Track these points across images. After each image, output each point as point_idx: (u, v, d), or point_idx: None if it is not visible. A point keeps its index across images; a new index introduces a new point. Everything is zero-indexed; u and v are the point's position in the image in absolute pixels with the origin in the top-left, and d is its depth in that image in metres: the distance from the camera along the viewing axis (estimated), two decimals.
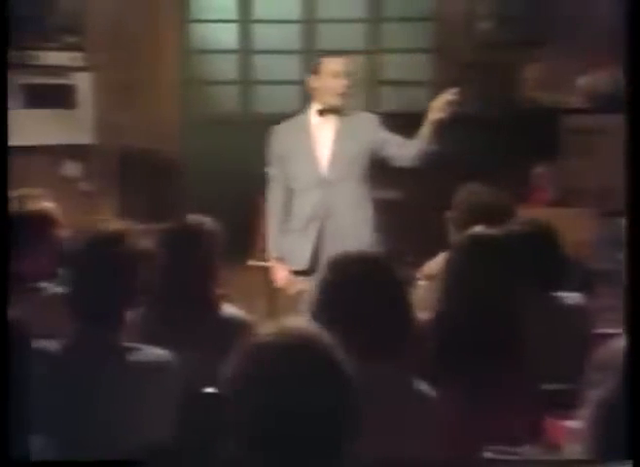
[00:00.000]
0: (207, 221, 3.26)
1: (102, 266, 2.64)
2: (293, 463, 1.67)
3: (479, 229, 3.08)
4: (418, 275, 4.07)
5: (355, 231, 4.60)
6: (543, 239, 3.46)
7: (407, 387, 2.35)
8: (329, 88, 4.68)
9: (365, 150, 4.68)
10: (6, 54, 3.17)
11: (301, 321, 1.79)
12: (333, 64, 4.70)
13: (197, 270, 3.12)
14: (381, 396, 2.20)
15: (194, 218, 3.28)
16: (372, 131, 4.71)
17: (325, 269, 2.50)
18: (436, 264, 3.85)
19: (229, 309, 3.20)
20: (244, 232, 5.74)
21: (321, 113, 4.75)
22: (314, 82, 4.73)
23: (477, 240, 3.01)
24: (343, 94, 4.68)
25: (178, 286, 3.02)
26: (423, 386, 2.38)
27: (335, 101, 4.70)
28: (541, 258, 3.36)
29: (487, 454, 2.41)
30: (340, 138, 4.71)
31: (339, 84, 4.67)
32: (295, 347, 1.71)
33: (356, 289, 2.39)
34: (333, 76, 4.68)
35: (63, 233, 3.48)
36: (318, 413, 1.67)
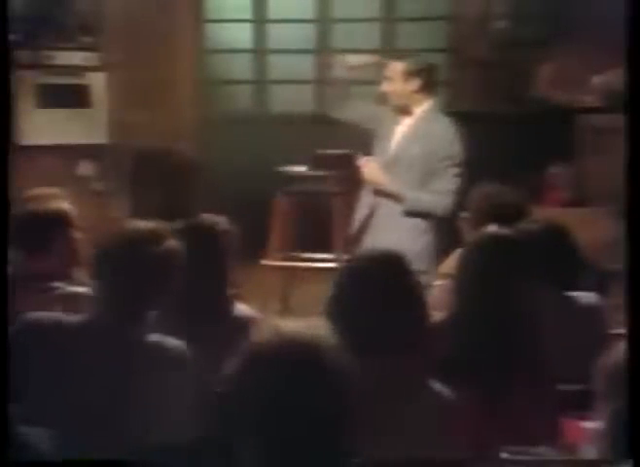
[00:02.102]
0: (221, 220, 3.26)
1: (132, 264, 2.64)
2: (291, 464, 1.67)
3: (492, 228, 3.07)
4: (434, 275, 4.06)
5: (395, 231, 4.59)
6: (557, 239, 3.44)
7: (421, 386, 2.34)
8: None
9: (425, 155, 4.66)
10: (9, 54, 3.17)
11: (298, 323, 1.79)
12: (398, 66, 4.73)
13: (210, 270, 3.11)
14: (395, 395, 2.20)
15: (207, 217, 3.27)
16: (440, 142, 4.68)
17: (341, 268, 2.50)
18: (452, 263, 3.83)
19: (241, 308, 3.19)
20: (259, 231, 5.74)
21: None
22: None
23: (490, 240, 3.00)
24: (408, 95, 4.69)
25: (191, 285, 3.01)
26: (438, 386, 2.37)
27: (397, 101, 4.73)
28: (555, 257, 3.35)
29: (504, 455, 2.39)
30: (406, 138, 4.73)
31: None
32: (291, 350, 1.71)
33: (370, 287, 2.38)
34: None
35: (77, 232, 3.49)
36: (314, 416, 1.67)
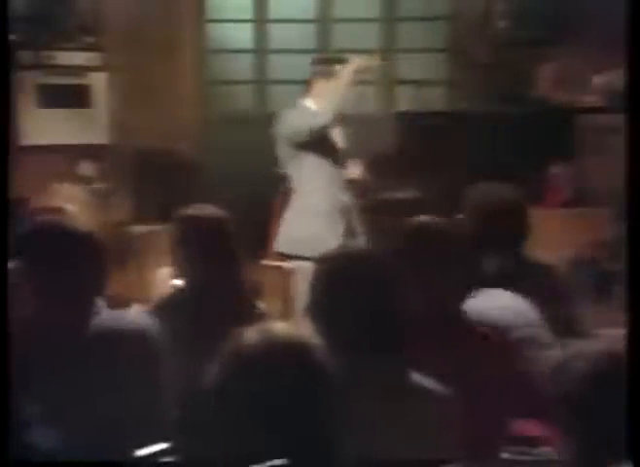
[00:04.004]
0: (218, 211, 3.24)
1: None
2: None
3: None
4: None
5: None
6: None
7: (412, 384, 2.30)
8: None
9: None
10: (10, 54, 3.17)
11: (285, 327, 1.78)
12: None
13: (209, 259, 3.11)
14: (386, 393, 2.18)
15: (205, 207, 3.25)
16: None
17: (318, 266, 2.44)
18: None
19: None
20: (258, 231, 5.74)
21: None
22: None
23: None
24: None
25: (192, 274, 3.02)
26: (429, 383, 2.33)
27: None
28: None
29: (504, 455, 2.39)
30: None
31: None
32: (277, 354, 1.71)
33: (349, 285, 2.33)
34: None
35: None
36: (299, 419, 1.67)
